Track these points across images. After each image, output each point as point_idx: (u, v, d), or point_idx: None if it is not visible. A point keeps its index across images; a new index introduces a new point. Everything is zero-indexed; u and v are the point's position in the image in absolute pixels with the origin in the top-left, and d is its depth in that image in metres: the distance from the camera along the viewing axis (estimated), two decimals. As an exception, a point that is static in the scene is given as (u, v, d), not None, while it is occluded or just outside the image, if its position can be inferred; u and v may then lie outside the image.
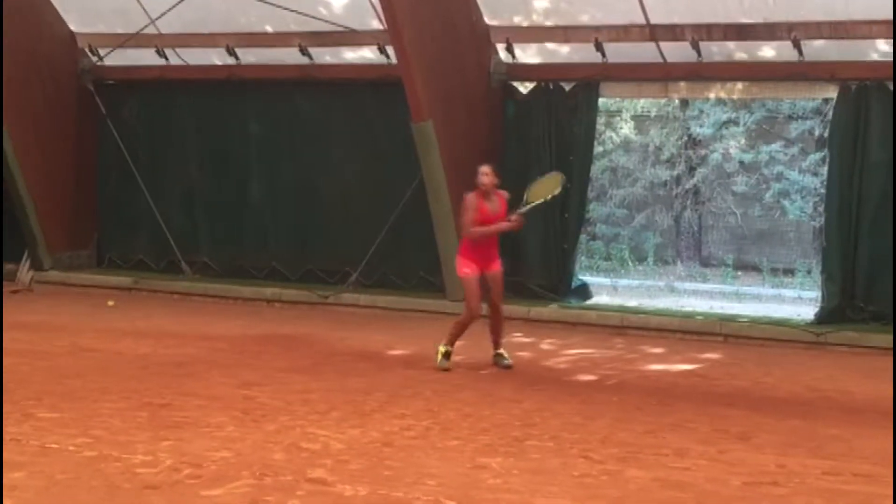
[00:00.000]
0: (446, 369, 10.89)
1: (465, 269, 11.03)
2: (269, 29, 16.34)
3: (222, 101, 17.16)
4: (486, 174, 11.00)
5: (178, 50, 17.09)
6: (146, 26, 16.29)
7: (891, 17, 13.04)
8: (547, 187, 11.34)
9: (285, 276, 16.65)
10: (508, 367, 11.22)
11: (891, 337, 12.97)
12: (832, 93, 14.14)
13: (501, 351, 11.42)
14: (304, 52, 16.17)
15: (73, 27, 17.39)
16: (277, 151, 16.86)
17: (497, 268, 11.22)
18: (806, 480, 7.28)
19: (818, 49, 13.80)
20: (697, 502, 6.72)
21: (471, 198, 11.01)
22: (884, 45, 13.52)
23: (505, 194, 11.19)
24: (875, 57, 13.70)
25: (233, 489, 6.66)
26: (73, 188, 17.60)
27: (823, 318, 13.88)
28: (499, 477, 7.11)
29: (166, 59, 17.13)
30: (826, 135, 14.58)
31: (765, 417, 9.27)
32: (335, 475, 7.01)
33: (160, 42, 16.90)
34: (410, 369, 11.07)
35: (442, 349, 11.06)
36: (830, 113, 14.37)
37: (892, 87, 13.63)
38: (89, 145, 17.79)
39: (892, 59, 13.48)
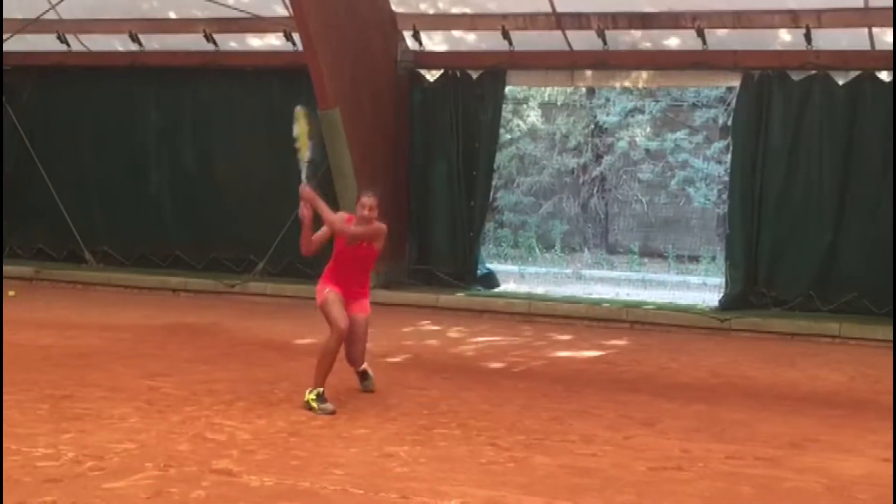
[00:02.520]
0: (333, 412, 8.48)
1: (325, 290, 9.01)
2: (172, 15, 16.14)
3: (125, 89, 16.92)
4: (372, 207, 8.87)
5: (80, 36, 16.81)
6: (46, 11, 15.98)
7: (792, 6, 13.24)
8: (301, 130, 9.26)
9: (190, 264, 16.48)
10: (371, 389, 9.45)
11: (793, 322, 13.21)
12: (735, 81, 14.33)
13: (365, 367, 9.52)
14: (209, 38, 16.00)
15: (-30, 12, 17.02)
16: (182, 139, 16.69)
17: (360, 311, 9.12)
18: (709, 465, 7.35)
19: (722, 38, 13.97)
20: (603, 488, 6.76)
21: (344, 216, 9.09)
22: (786, 35, 13.72)
23: (382, 227, 9.06)
24: (777, 46, 13.90)
25: (136, 481, 6.55)
26: (-30, 175, 17.25)
27: (727, 305, 14.08)
28: (406, 465, 7.09)
29: (68, 45, 16.84)
30: (730, 123, 14.73)
31: (669, 403, 9.36)
32: (241, 466, 6.94)
33: (61, 28, 16.62)
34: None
35: (311, 395, 8.62)
36: (734, 101, 14.55)
37: (792, 76, 13.84)
38: (-13, 133, 17.46)
39: (793, 48, 13.69)
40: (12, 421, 7.90)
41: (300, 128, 9.22)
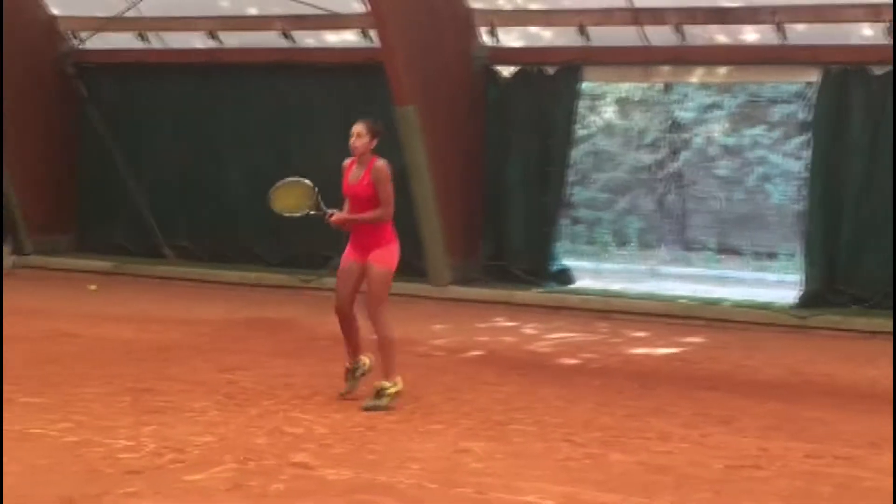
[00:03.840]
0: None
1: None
2: (251, 12, 16.27)
3: (203, 85, 17.08)
4: (355, 134, 8.81)
5: (159, 33, 17.00)
6: (127, 9, 16.20)
7: (873, 0, 13.06)
8: (293, 198, 9.19)
9: (266, 260, 16.60)
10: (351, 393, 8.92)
11: (872, 320, 13.04)
12: (814, 76, 14.15)
13: (359, 365, 9.03)
14: (286, 35, 16.11)
15: (53, 10, 17.27)
16: (258, 135, 16.80)
17: (370, 260, 8.68)
18: (787, 463, 7.30)
19: (801, 33, 13.82)
20: (679, 485, 6.73)
21: (346, 163, 9.07)
22: (867, 29, 13.54)
23: (379, 164, 8.81)
24: (857, 41, 13.72)
25: (216, 473, 6.64)
26: (54, 172, 17.50)
27: (805, 302, 13.92)
28: (481, 461, 7.11)
29: (148, 42, 17.04)
30: (808, 118, 14.56)
31: (746, 401, 9.29)
32: (318, 459, 7.00)
33: (141, 25, 16.80)
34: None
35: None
36: (813, 97, 14.39)
37: (873, 71, 13.66)
38: (70, 129, 17.70)
39: (874, 42, 13.50)
40: (95, 413, 8.04)
41: (289, 202, 9.21)
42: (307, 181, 9.18)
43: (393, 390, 8.50)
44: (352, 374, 9.00)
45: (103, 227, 17.88)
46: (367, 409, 8.39)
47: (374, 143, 8.85)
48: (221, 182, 17.08)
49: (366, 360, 9.02)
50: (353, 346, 9.01)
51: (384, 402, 8.44)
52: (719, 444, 7.79)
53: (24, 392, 8.65)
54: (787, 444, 7.82)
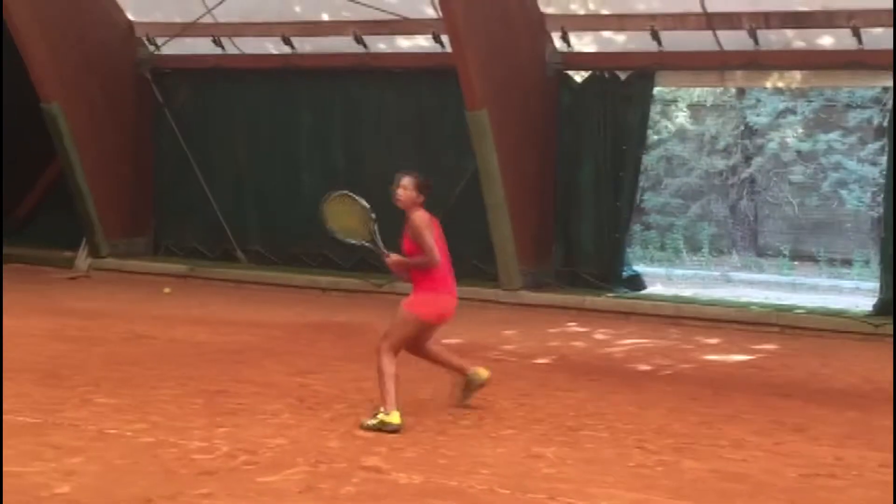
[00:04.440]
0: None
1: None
2: (324, 17, 16.38)
3: (277, 90, 17.21)
4: (401, 186, 8.68)
5: (234, 39, 17.17)
6: (203, 15, 16.38)
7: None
8: (354, 220, 8.98)
9: (338, 264, 16.68)
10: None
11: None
12: (891, 81, 13.98)
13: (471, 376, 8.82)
14: (358, 40, 16.19)
15: (130, 16, 17.49)
16: (331, 140, 16.90)
17: (402, 302, 8.55)
18: (863, 473, 7.21)
19: (877, 37, 13.63)
20: (753, 494, 6.68)
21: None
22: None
23: (413, 217, 8.59)
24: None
25: (288, 476, 6.69)
26: (130, 176, 17.72)
27: (882, 309, 13.73)
28: (553, 466, 7.10)
29: (222, 48, 17.21)
30: (885, 124, 14.39)
31: (821, 409, 9.20)
32: (390, 463, 7.03)
33: (216, 31, 16.97)
34: (464, 358, 10.97)
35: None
36: (890, 102, 14.21)
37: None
38: (146, 133, 17.92)
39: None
40: (169, 415, 8.13)
41: (343, 222, 8.97)
42: (364, 202, 8.85)
43: (381, 417, 7.94)
44: (466, 390, 8.81)
45: (178, 230, 18.08)
46: (361, 427, 7.95)
47: (421, 198, 8.60)
48: (294, 186, 17.18)
49: (478, 371, 8.81)
50: (451, 367, 8.91)
51: (369, 422, 7.96)
52: (794, 452, 7.72)
53: (102, 393, 8.79)
54: (862, 452, 7.73)
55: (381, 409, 7.99)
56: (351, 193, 8.93)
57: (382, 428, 7.89)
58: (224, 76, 17.39)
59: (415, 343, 8.54)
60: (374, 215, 8.70)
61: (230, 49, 17.30)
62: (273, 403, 8.63)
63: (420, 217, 8.49)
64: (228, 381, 9.47)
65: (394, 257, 8.53)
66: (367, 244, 8.74)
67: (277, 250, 17.30)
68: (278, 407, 8.51)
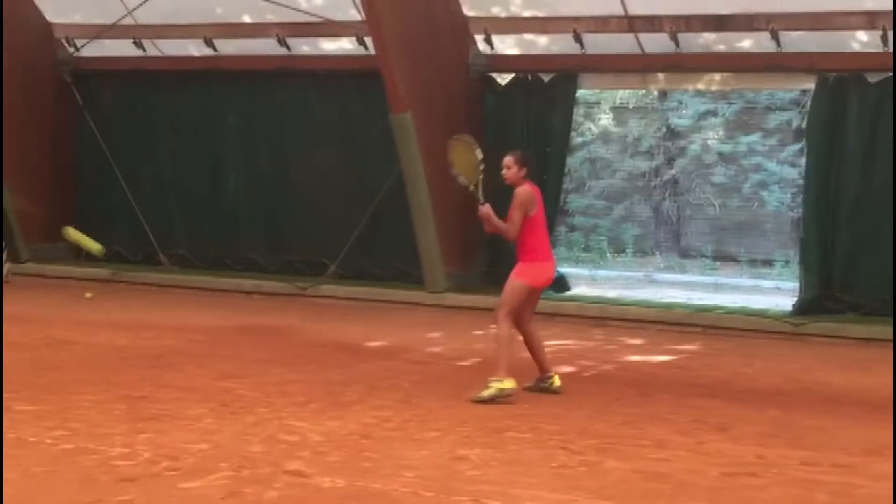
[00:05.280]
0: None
1: None
2: (247, 19, 16.28)
3: (200, 93, 17.09)
4: (504, 166, 9.57)
5: (155, 41, 17.01)
6: (123, 17, 16.20)
7: (869, 8, 13.08)
8: (469, 163, 9.77)
9: (263, 267, 16.60)
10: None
11: (869, 327, 13.03)
12: (810, 84, 14.16)
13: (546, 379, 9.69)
14: (282, 42, 16.12)
15: (49, 18, 17.28)
16: (255, 142, 16.81)
17: (511, 272, 9.59)
18: (784, 471, 7.29)
19: (796, 40, 13.82)
20: (676, 493, 6.72)
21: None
22: (863, 36, 13.54)
23: (518, 190, 9.48)
24: (854, 48, 13.73)
25: (211, 481, 6.63)
26: (51, 179, 17.50)
27: (802, 309, 13.90)
28: (477, 468, 7.10)
29: (143, 49, 17.05)
30: (804, 126, 14.60)
31: (743, 408, 9.29)
32: (313, 467, 6.99)
33: (137, 33, 16.81)
34: (389, 361, 11.05)
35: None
36: (808, 104, 14.40)
37: (869, 79, 13.68)
38: (67, 136, 17.71)
39: (870, 50, 13.52)
40: (90, 421, 8.03)
41: (461, 160, 9.80)
42: (479, 154, 9.72)
43: (496, 385, 9.03)
44: (538, 383, 9.62)
45: (101, 234, 17.65)
46: (473, 400, 8.99)
47: (524, 171, 9.52)
48: (218, 189, 17.09)
49: (557, 379, 9.61)
50: (537, 361, 9.68)
51: (484, 394, 9.02)
52: (716, 451, 7.79)
53: (21, 399, 8.64)
54: (783, 451, 7.81)
55: (494, 378, 9.04)
56: (474, 143, 9.83)
57: (499, 395, 8.98)
58: (146, 78, 17.24)
59: (522, 311, 9.50)
60: (482, 167, 9.62)
61: (152, 51, 17.14)
62: (195, 408, 8.55)
63: (520, 193, 9.42)
64: (150, 386, 9.37)
65: (485, 209, 9.47)
66: (472, 189, 9.64)
67: (201, 254, 17.17)
68: (201, 411, 8.43)
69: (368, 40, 14.91)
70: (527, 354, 9.73)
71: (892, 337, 12.78)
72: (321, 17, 15.40)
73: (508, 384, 9.08)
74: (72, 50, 17.41)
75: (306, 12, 15.30)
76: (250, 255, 16.80)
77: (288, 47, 16.21)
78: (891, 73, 13.48)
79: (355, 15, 15.08)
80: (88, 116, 17.57)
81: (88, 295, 15.22)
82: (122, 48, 17.06)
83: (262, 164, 16.78)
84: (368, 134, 15.78)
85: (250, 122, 16.86)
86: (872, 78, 13.64)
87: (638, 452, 7.66)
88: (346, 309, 14.75)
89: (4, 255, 17.08)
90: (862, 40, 13.59)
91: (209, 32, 16.51)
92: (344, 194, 16.08)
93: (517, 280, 9.43)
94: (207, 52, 16.74)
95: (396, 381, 9.97)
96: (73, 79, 17.59)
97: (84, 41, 17.13)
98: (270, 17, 15.86)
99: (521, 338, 9.67)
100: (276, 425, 8.07)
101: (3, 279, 16.69)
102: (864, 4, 13.11)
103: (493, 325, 9.53)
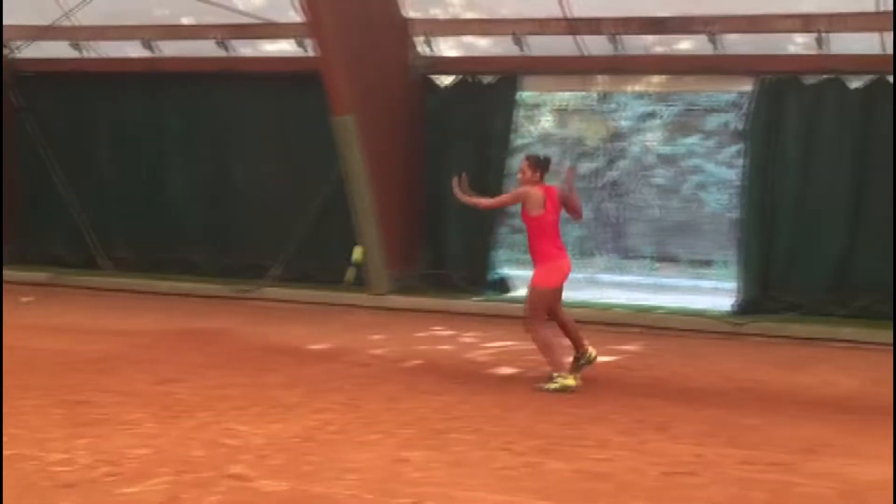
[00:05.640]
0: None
1: None
2: (186, 21, 16.18)
3: (139, 95, 16.99)
4: (520, 171, 10.09)
5: (94, 42, 16.87)
6: (61, 18, 16.04)
7: (805, 11, 13.24)
8: None
9: (204, 270, 16.52)
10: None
11: (806, 327, 13.19)
12: (748, 86, 14.31)
13: (583, 354, 10.29)
14: (222, 44, 16.04)
15: (-14, 19, 17.10)
16: (195, 145, 16.74)
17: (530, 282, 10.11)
18: (722, 470, 7.36)
19: (734, 42, 13.96)
20: (617, 493, 6.77)
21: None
22: (799, 39, 13.70)
23: (538, 188, 9.96)
24: (791, 50, 13.89)
25: (151, 486, 6.59)
26: (-11, 182, 17.33)
27: (740, 309, 14.06)
28: (420, 470, 7.11)
29: (82, 51, 16.90)
30: (743, 128, 14.73)
31: (683, 408, 9.36)
32: (255, 471, 6.97)
33: (76, 34, 16.68)
34: (332, 363, 11.03)
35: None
36: (747, 106, 14.55)
37: (805, 81, 13.84)
38: (6, 139, 17.50)
39: (806, 52, 13.68)
40: (29, 426, 7.94)
41: None
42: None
43: (561, 381, 9.77)
44: (576, 362, 10.19)
45: (41, 237, 17.71)
46: (539, 389, 9.77)
47: (537, 174, 9.97)
48: (159, 191, 17.00)
49: (592, 351, 10.26)
50: (572, 339, 10.27)
51: (550, 386, 9.78)
52: (656, 450, 7.84)
53: (-43, 405, 8.54)
54: (722, 450, 7.88)
55: (558, 375, 9.75)
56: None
57: (563, 390, 9.66)
58: (85, 80, 17.11)
59: (552, 310, 10.12)
60: None
61: (90, 53, 17.00)
62: (136, 412, 8.49)
63: (525, 189, 9.91)
64: (90, 390, 9.29)
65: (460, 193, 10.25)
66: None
67: (142, 257, 17.06)
68: (141, 416, 8.38)
69: (309, 42, 14.87)
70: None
71: (828, 336, 12.99)
72: (261, 18, 15.35)
73: (571, 381, 9.79)
74: (8, 51, 17.21)
75: (246, 14, 15.24)
76: (192, 258, 16.73)
77: (228, 49, 16.13)
78: (826, 76, 13.67)
79: (295, 17, 15.02)
80: (28, 118, 17.39)
81: (25, 299, 15.05)
82: (61, 50, 16.91)
83: (203, 166, 16.70)
84: (310, 136, 15.75)
85: (191, 124, 16.78)
86: (809, 80, 13.81)
87: (580, 453, 7.70)
88: (288, 311, 14.71)
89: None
90: (798, 43, 13.76)
91: (148, 34, 16.41)
92: (285, 197, 16.05)
93: (540, 287, 10.00)
94: (147, 53, 16.63)
95: (339, 383, 9.95)
96: (12, 80, 17.40)
97: (22, 42, 16.96)
98: (210, 19, 15.79)
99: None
100: (217, 429, 8.03)
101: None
102: (801, 7, 13.29)
103: (528, 334, 10.10)
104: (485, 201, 10.30)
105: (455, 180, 10.18)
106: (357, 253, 11.20)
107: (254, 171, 16.37)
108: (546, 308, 10.05)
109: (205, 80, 16.48)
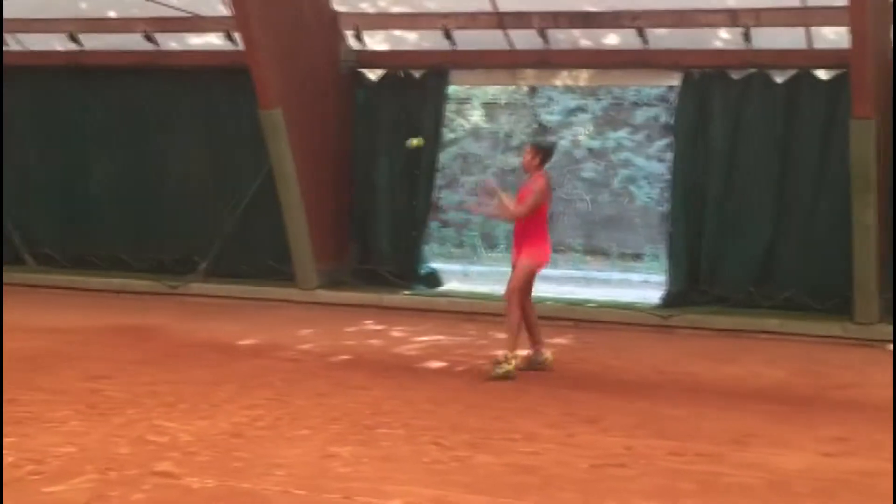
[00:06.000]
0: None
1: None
2: (112, 14, 15.99)
3: (64, 89, 16.75)
4: (523, 154, 10.50)
5: (18, 35, 16.63)
6: (-18, 11, 15.80)
7: (731, 6, 13.36)
8: None
9: (131, 266, 16.35)
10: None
11: (734, 319, 13.33)
12: (675, 80, 14.40)
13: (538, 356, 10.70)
14: (148, 38, 15.87)
15: None
16: (122, 139, 16.54)
17: (522, 255, 10.32)
18: (652, 461, 7.41)
19: (662, 37, 14.05)
20: (545, 486, 6.79)
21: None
22: (725, 34, 13.82)
23: (538, 176, 10.28)
24: (718, 45, 14.00)
25: (76, 484, 6.51)
26: None
27: (669, 302, 14.16)
28: (349, 465, 7.09)
29: (5, 44, 16.64)
30: (670, 122, 14.86)
31: (613, 400, 9.42)
32: (182, 468, 6.91)
33: (-1, 27, 16.42)
34: (261, 359, 10.97)
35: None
36: (674, 100, 14.66)
37: (732, 75, 13.96)
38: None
39: (732, 47, 13.80)
40: (-49, 425, 7.82)
41: None
42: None
43: (506, 367, 10.09)
44: (531, 359, 10.55)
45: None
46: (489, 379, 10.01)
47: (537, 160, 10.26)
48: (84, 186, 16.78)
49: (548, 355, 10.63)
50: (531, 333, 10.59)
51: (496, 370, 10.09)
52: (585, 443, 7.88)
53: None
54: (651, 442, 7.94)
55: (512, 356, 10.14)
56: None
57: (507, 377, 10.02)
58: (8, 74, 16.82)
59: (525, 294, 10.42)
60: None
61: (14, 46, 16.75)
62: (62, 410, 8.38)
63: (538, 181, 10.17)
64: (18, 389, 9.13)
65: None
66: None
67: (67, 253, 16.85)
68: (67, 413, 8.28)
69: (237, 36, 14.76)
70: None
71: (755, 328, 13.14)
72: (188, 12, 15.21)
73: (513, 369, 10.16)
74: (-70, 45, 16.93)
75: (173, 7, 15.09)
76: (118, 254, 16.54)
77: (155, 43, 15.97)
78: (753, 70, 13.80)
79: (223, 10, 14.91)
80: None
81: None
82: (-17, 43, 16.65)
83: (130, 161, 16.52)
84: (238, 130, 15.64)
85: (117, 118, 16.57)
86: (735, 74, 13.93)
87: (509, 446, 7.72)
88: (218, 307, 14.61)
89: None
90: (724, 38, 13.87)
91: (74, 27, 16.18)
92: (213, 191, 15.92)
93: (529, 263, 10.24)
94: (72, 47, 16.41)
95: (268, 379, 9.90)
96: (-67, 74, 17.13)
97: (-58, 36, 16.69)
98: (136, 13, 15.59)
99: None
100: (144, 426, 7.96)
101: None
102: (727, 2, 13.39)
103: (504, 310, 10.43)
104: (520, 209, 10.24)
105: (479, 193, 10.53)
106: (416, 141, 11.46)
107: (181, 166, 16.23)
108: (528, 287, 10.39)
109: (131, 75, 16.28)
